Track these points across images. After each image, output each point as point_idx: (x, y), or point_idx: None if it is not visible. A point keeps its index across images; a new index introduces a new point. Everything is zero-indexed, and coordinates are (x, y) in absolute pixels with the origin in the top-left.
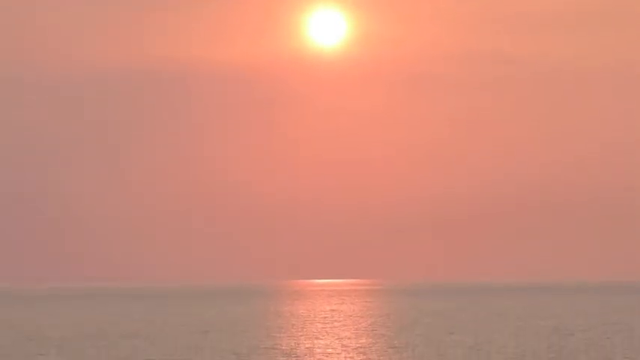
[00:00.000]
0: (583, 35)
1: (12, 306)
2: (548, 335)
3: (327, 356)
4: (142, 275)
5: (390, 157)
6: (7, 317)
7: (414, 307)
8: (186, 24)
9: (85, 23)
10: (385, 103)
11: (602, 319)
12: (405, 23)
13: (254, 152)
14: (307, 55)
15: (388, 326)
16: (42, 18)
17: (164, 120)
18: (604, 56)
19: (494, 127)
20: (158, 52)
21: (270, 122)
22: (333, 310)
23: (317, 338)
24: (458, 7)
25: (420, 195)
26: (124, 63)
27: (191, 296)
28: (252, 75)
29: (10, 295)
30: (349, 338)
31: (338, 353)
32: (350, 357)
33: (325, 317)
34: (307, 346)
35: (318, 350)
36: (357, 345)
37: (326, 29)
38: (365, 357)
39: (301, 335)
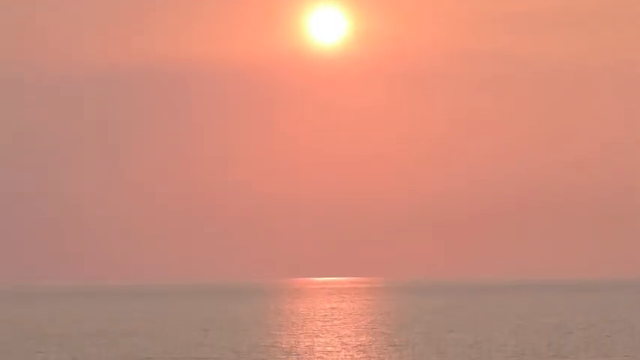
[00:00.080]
0: (583, 34)
1: (12, 304)
2: (548, 333)
3: (327, 354)
4: (142, 274)
5: (389, 155)
6: (6, 315)
7: (414, 305)
8: (186, 22)
9: (85, 22)
10: (385, 102)
11: (602, 316)
12: (405, 21)
13: (254, 150)
14: (307, 53)
15: (388, 324)
16: (41, 17)
17: (164, 119)
18: (604, 56)
19: (494, 125)
20: (158, 50)
21: (271, 120)
22: (333, 308)
23: (317, 336)
24: (458, 5)
25: (420, 193)
26: (124, 62)
27: (191, 294)
28: (252, 73)
29: (10, 293)
30: (349, 336)
31: (338, 351)
32: (350, 355)
33: (325, 315)
34: (307, 344)
35: (318, 348)
36: (357, 343)
37: (326, 27)
38: (365, 355)
39: (301, 333)
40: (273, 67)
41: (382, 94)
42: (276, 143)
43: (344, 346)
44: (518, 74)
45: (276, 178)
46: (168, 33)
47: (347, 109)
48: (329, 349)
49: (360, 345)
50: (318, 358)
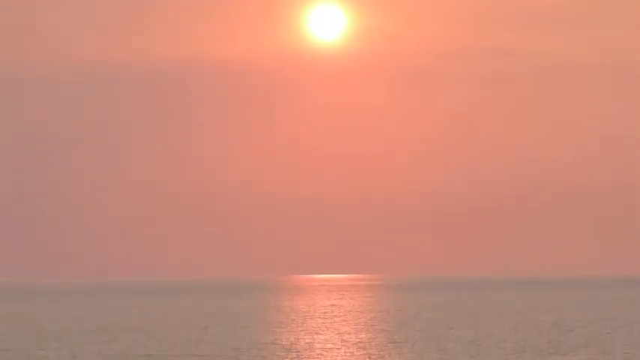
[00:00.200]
0: (583, 32)
1: (12, 301)
2: (548, 330)
3: (327, 351)
4: (143, 271)
5: (389, 151)
6: (6, 312)
7: (413, 302)
8: (185, 21)
9: (85, 21)
10: (385, 98)
11: (602, 313)
12: (405, 18)
13: (254, 147)
14: (307, 50)
15: (388, 321)
16: (41, 16)
17: (164, 117)
18: (604, 53)
19: (493, 123)
20: (158, 49)
21: (270, 117)
22: (332, 305)
23: (317, 333)
24: (458, 3)
25: (420, 190)
26: (124, 61)
27: (191, 291)
28: (252, 70)
29: (10, 290)
30: (349, 333)
31: (338, 348)
32: (350, 352)
33: (325, 312)
34: (307, 341)
35: (318, 345)
36: (357, 340)
37: (326, 24)
38: (365, 352)
39: (301, 330)
40: (273, 64)
41: (382, 91)
42: (275, 141)
43: (344, 344)
44: (518, 72)
45: (276, 175)
46: (168, 32)
47: (346, 105)
48: (329, 346)
49: (360, 342)
50: (317, 355)
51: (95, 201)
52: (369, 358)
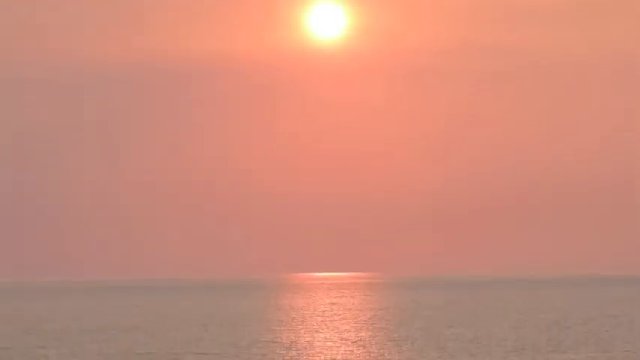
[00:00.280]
0: (583, 29)
1: (12, 299)
2: (547, 328)
3: (326, 349)
4: (143, 270)
5: (389, 150)
6: (7, 310)
7: (413, 301)
8: (185, 19)
9: (85, 20)
10: (385, 97)
11: (602, 311)
12: (405, 17)
13: (254, 146)
14: (307, 49)
15: (388, 319)
16: (41, 15)
17: (164, 115)
18: (604, 50)
19: (494, 120)
20: (158, 48)
21: (271, 115)
22: (332, 304)
23: (317, 331)
24: (458, 1)
25: (420, 188)
26: (123, 60)
27: (191, 290)
28: (252, 68)
29: (10, 288)
30: (349, 331)
31: (337, 346)
32: (349, 350)
33: (325, 310)
34: (307, 339)
35: (318, 343)
36: (357, 338)
37: (326, 23)
38: (364, 350)
39: (301, 328)
40: (273, 63)
41: (382, 90)
42: (275, 139)
43: (344, 342)
44: (518, 69)
45: (277, 174)
46: (168, 30)
47: (347, 103)
48: (329, 344)
49: (360, 340)
50: (317, 353)
51: (95, 198)
52: (369, 356)
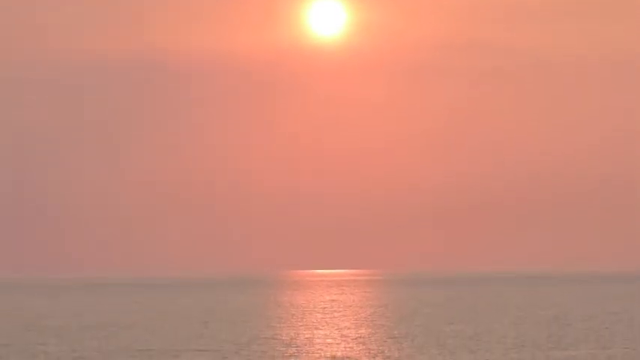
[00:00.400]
0: (583, 26)
1: (12, 296)
2: (547, 325)
3: (326, 346)
4: (143, 267)
5: (389, 147)
6: (7, 307)
7: (413, 298)
8: (185, 17)
9: (85, 19)
10: (385, 93)
11: (602, 308)
12: (405, 13)
13: (254, 142)
14: (307, 46)
15: (388, 316)
16: (41, 13)
17: (164, 115)
18: (604, 48)
19: (494, 117)
20: (158, 45)
21: (271, 112)
22: (332, 301)
23: (316, 328)
24: None
25: (420, 185)
26: (123, 58)
27: (191, 287)
28: (252, 65)
29: (10, 285)
30: (349, 328)
31: (337, 343)
32: (349, 347)
33: (325, 307)
34: (307, 336)
35: (318, 340)
36: (357, 335)
37: (326, 20)
38: (364, 347)
39: (301, 325)
40: (273, 59)
41: (382, 86)
42: (276, 134)
43: (343, 339)
44: (518, 66)
45: (277, 171)
46: (168, 29)
47: (347, 100)
48: (328, 341)
49: (360, 337)
50: (317, 350)
51: (95, 195)
52: (369, 353)
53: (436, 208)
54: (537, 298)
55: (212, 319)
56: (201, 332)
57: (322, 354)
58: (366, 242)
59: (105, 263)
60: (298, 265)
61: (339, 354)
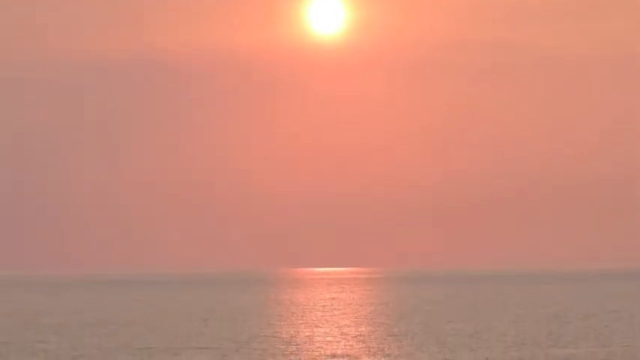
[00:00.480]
0: (582, 23)
1: (11, 293)
2: (547, 323)
3: (326, 344)
4: (143, 264)
5: (389, 144)
6: (7, 305)
7: (413, 295)
8: (185, 15)
9: (85, 18)
10: (385, 91)
11: (601, 306)
12: (404, 11)
13: (254, 140)
14: (307, 44)
15: (388, 314)
16: (41, 13)
17: (164, 112)
18: (603, 44)
19: (493, 114)
20: (158, 44)
21: (271, 110)
22: (332, 299)
23: (317, 326)
24: None
25: (420, 182)
26: (123, 56)
27: (191, 285)
28: (252, 63)
29: (10, 283)
30: (349, 326)
31: (337, 341)
32: (349, 345)
33: (325, 305)
34: (307, 334)
35: (318, 338)
36: (357, 333)
37: (326, 18)
38: (364, 345)
39: (301, 323)
40: (273, 57)
41: (382, 84)
42: (276, 132)
43: (343, 336)
44: (517, 63)
45: (277, 169)
46: (168, 28)
47: (347, 98)
48: (328, 339)
49: (360, 335)
50: (317, 348)
51: (95, 200)
52: (369, 350)
53: (436, 206)
54: (537, 295)
55: (212, 317)
56: (201, 330)
57: (322, 352)
58: (366, 240)
59: (105, 262)
60: (298, 264)
61: (339, 352)
